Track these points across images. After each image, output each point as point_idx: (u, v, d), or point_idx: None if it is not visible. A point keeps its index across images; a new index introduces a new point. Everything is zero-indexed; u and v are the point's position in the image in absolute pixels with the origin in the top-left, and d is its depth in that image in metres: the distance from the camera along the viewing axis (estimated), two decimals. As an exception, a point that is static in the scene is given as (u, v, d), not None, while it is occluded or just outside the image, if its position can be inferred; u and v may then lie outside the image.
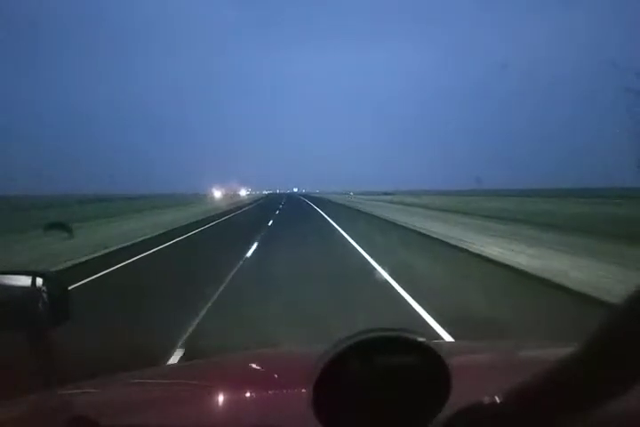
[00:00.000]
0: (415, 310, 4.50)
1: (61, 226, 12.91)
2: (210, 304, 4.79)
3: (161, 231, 14.15)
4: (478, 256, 8.07)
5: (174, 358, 3.14)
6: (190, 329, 3.90)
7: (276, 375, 1.17)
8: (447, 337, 3.60)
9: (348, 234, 12.17)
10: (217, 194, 60.20)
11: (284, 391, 1.01)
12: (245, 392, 1.03)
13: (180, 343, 3.49)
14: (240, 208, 32.88)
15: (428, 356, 0.46)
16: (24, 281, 1.15)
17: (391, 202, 40.90)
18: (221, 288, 5.58)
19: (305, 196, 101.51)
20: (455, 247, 9.36)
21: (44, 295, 1.14)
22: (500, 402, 0.45)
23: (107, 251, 9.50)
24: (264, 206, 36.60)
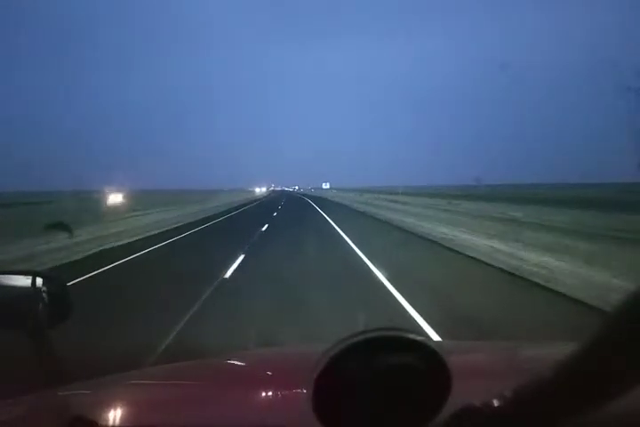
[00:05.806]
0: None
1: (61, 226, 12.91)
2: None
3: None
4: None
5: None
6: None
7: (276, 375, 1.17)
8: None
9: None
10: (115, 198, 26.65)
11: (285, 391, 1.01)
12: (245, 392, 1.02)
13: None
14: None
15: (427, 356, 0.46)
16: (24, 281, 1.15)
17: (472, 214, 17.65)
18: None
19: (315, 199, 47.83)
20: None
21: (44, 295, 1.14)
22: (500, 402, 0.45)
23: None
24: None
